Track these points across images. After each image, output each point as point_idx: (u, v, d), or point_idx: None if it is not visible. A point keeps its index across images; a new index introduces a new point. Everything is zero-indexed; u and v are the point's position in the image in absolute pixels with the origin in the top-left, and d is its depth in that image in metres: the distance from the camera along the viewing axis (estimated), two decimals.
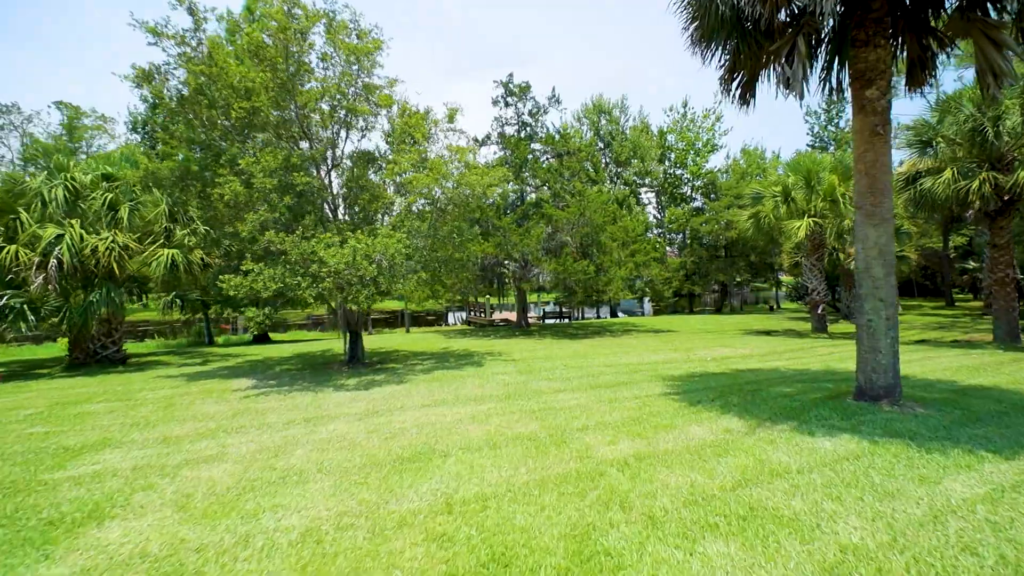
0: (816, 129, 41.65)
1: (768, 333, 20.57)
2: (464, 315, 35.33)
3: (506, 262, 20.57)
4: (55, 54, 73.37)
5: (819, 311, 19.58)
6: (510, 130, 24.36)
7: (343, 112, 11.68)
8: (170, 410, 7.61)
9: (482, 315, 32.32)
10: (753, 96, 8.49)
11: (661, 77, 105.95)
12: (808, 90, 7.08)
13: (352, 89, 11.35)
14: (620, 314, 39.00)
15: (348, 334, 12.77)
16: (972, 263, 34.62)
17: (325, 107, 10.95)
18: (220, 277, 8.89)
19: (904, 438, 5.22)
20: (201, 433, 6.21)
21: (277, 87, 10.24)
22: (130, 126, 31.90)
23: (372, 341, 20.13)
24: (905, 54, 7.76)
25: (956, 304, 37.43)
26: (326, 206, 11.72)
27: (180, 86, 10.53)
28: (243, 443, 5.71)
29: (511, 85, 24.18)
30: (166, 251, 12.42)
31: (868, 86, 6.80)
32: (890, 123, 6.85)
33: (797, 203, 18.96)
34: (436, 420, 6.44)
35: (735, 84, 8.35)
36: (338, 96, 10.96)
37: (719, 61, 8.23)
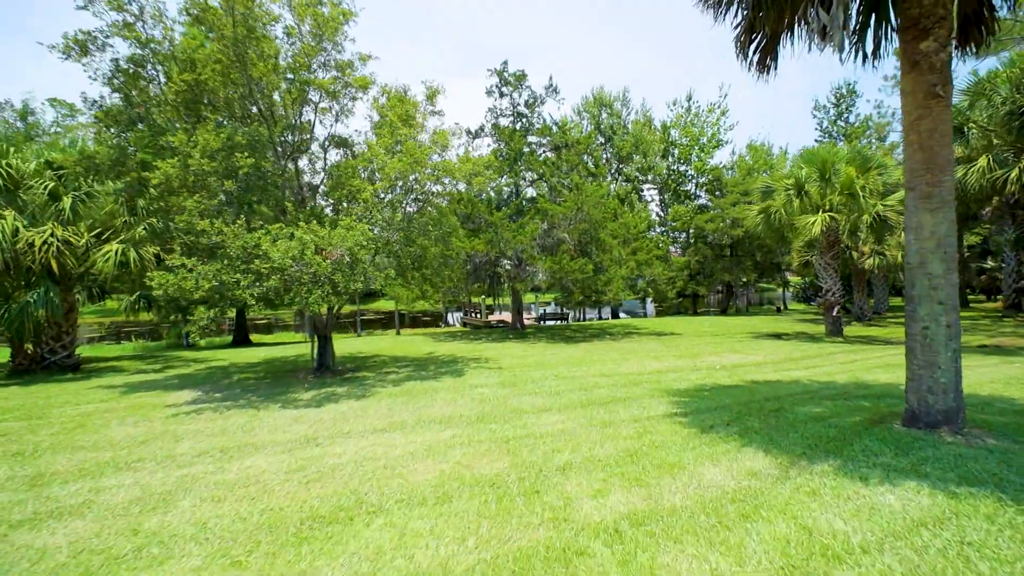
0: (825, 124, 40.23)
1: (779, 336, 19.21)
2: (463, 316, 34.08)
3: (501, 260, 19.27)
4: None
5: (834, 313, 18.21)
6: (505, 122, 23.06)
7: (310, 91, 10.42)
8: (73, 434, 6.33)
9: (478, 316, 31.03)
10: (775, 60, 7.18)
11: (667, 74, 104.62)
12: (847, 41, 5.77)
13: (318, 64, 10.06)
14: (622, 315, 37.65)
15: (316, 339, 11.49)
16: (991, 262, 33.13)
17: (285, 84, 9.66)
18: (147, 275, 7.62)
19: (989, 486, 3.90)
20: (85, 470, 4.93)
21: (230, 60, 8.96)
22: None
23: (356, 344, 18.87)
24: (956, 5, 6.43)
25: (970, 305, 35.97)
26: (291, 195, 10.45)
27: (123, 61, 9.27)
28: (124, 486, 4.42)
29: (506, 74, 22.87)
30: (114, 246, 11.15)
31: (923, 37, 5.47)
32: (951, 82, 5.53)
33: (811, 197, 17.59)
34: (383, 453, 5.14)
35: (753, 47, 7.03)
36: (302, 72, 9.69)
37: (735, 18, 6.94)
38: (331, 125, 11.98)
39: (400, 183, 10.05)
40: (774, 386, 8.57)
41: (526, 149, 21.32)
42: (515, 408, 7.09)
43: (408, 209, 10.74)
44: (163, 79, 9.19)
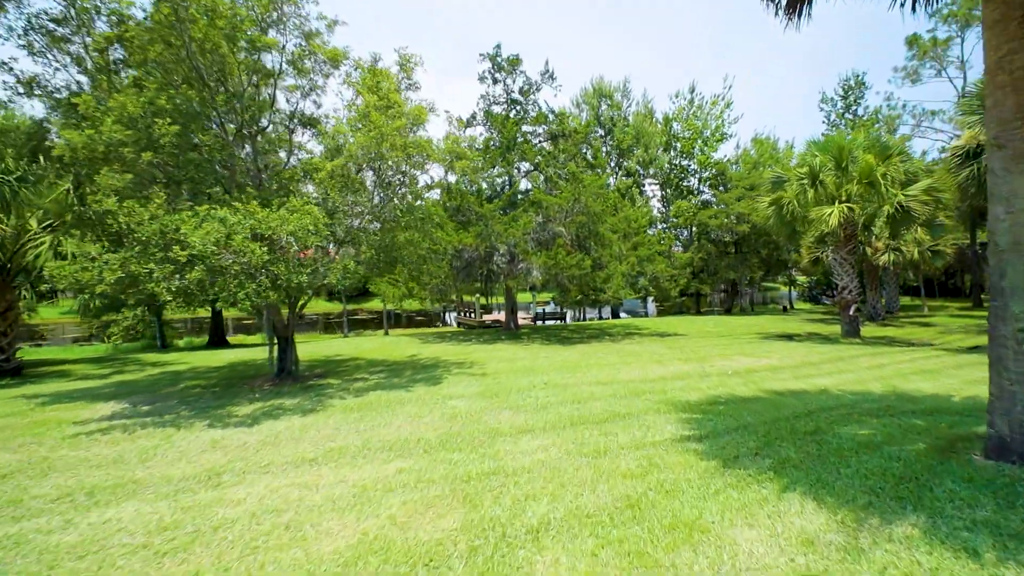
0: (832, 117, 38.86)
1: (790, 337, 17.90)
2: (456, 316, 32.76)
3: (493, 256, 17.96)
4: None
5: (851, 312, 16.88)
6: (498, 110, 21.72)
7: (265, 58, 9.12)
8: None
9: (472, 316, 29.72)
10: (808, 3, 5.89)
11: (667, 73, 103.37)
12: None
13: (272, 23, 8.75)
14: (622, 315, 36.33)
15: (276, 341, 10.19)
16: None
17: (228, 44, 8.33)
18: (46, 264, 6.32)
19: None
20: None
21: (164, 16, 7.65)
22: None
23: (337, 346, 17.56)
24: None
25: (985, 305, 34.61)
26: (248, 178, 9.14)
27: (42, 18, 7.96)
28: None
29: (499, 59, 21.53)
30: (47, 237, 9.85)
31: None
32: None
33: (826, 187, 16.27)
34: (295, 500, 3.82)
35: None
36: (249, 30, 8.36)
37: None
38: (296, 103, 10.69)
39: (368, 164, 8.73)
40: (801, 398, 7.25)
41: (520, 138, 19.98)
42: (490, 428, 5.77)
43: (379, 194, 9.43)
44: (89, 39, 7.89)
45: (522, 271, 17.81)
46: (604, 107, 32.72)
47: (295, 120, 10.79)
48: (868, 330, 19.70)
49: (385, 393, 8.12)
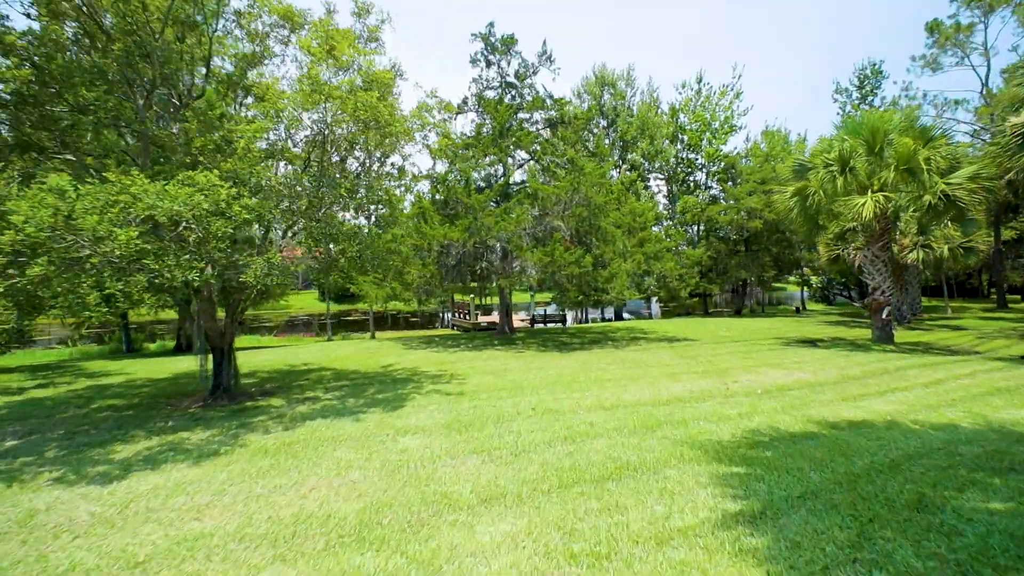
0: (848, 108, 36.93)
1: (813, 343, 16.08)
2: (451, 317, 30.98)
3: (484, 253, 16.19)
4: None
5: (884, 316, 15.04)
6: (491, 94, 19.94)
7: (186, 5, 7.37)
8: None
9: (467, 317, 27.95)
10: None
11: (676, 73, 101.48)
12: None
13: None
14: (626, 315, 34.50)
15: (211, 352, 8.45)
16: None
17: None
18: None
19: None
20: None
21: None
22: None
23: (310, 353, 15.82)
24: None
25: (1008, 306, 32.73)
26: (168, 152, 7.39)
27: None
28: None
29: (492, 39, 19.75)
30: None
31: None
32: None
33: (857, 175, 14.45)
34: None
35: None
36: None
37: None
38: (245, 70, 8.93)
39: (309, 131, 6.99)
40: (868, 435, 5.44)
41: (514, 123, 18.17)
42: (440, 494, 3.98)
43: (321, 181, 7.68)
44: None
45: (516, 270, 16.03)
46: (607, 96, 30.88)
47: (239, 89, 9.05)
48: (898, 335, 17.86)
49: (326, 423, 6.35)
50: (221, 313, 8.56)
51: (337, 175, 7.83)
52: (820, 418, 6.26)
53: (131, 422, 6.76)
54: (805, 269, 34.98)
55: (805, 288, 36.59)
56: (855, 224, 16.01)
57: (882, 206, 13.68)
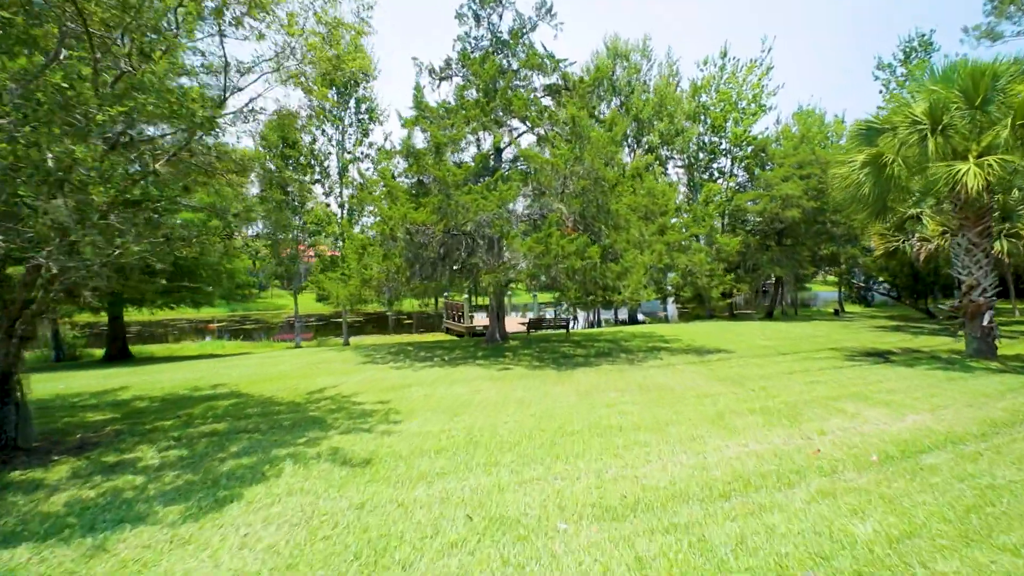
0: (893, 86, 32.87)
1: (884, 357, 12.54)
2: (444, 320, 27.70)
3: (462, 241, 12.89)
4: None
5: (986, 322, 11.42)
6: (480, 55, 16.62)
7: None
8: None
9: (460, 320, 24.67)
10: None
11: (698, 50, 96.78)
12: None
13: None
14: (640, 317, 30.90)
15: None
16: None
17: None
18: None
19: None
20: None
21: None
22: None
23: (243, 368, 12.69)
24: None
25: None
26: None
27: None
28: None
29: None
30: None
31: None
32: None
33: (954, 135, 10.88)
34: None
35: None
36: None
37: None
38: None
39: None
40: None
41: (503, 83, 14.79)
42: None
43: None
44: None
45: (508, 263, 12.68)
46: (620, 71, 27.33)
47: None
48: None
49: (35, 553, 3.12)
50: None
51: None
52: None
53: None
54: (839, 265, 30.93)
55: (842, 288, 32.60)
56: (943, 202, 12.40)
57: (996, 173, 10.08)
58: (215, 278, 16.26)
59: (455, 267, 13.32)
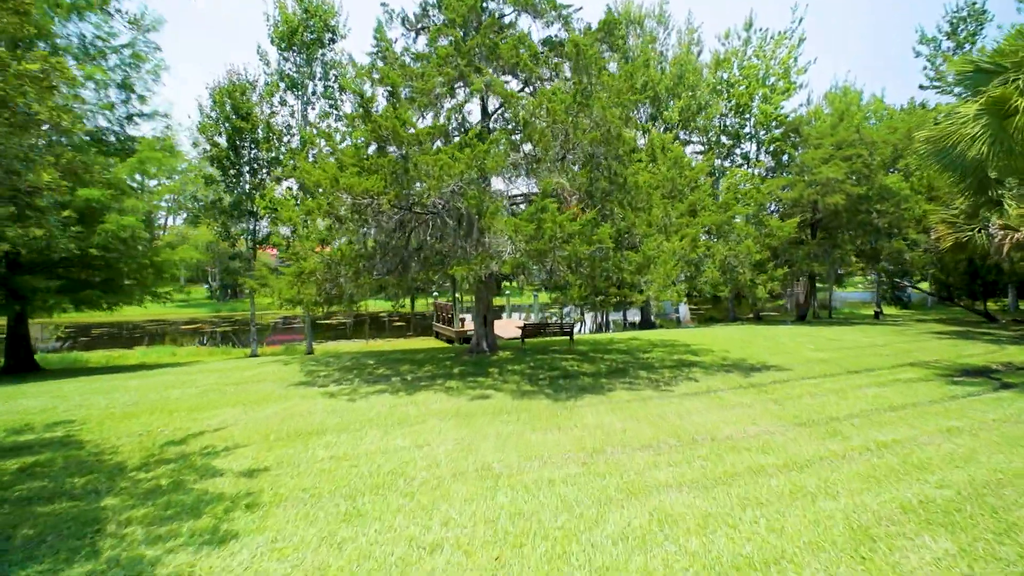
0: (941, 62, 29.28)
1: (991, 375, 9.31)
2: (434, 324, 24.52)
3: (426, 220, 9.73)
4: None
5: None
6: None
7: None
8: None
9: (449, 324, 21.53)
10: None
11: None
12: None
13: None
14: (654, 321, 27.54)
15: None
16: None
17: None
18: None
19: None
20: None
21: None
22: None
23: (147, 387, 9.64)
24: None
25: None
26: None
27: None
28: None
29: None
30: None
31: None
32: None
33: None
34: None
35: None
36: None
37: None
38: None
39: None
40: None
41: (486, 19, 11.53)
42: None
43: None
44: None
45: (488, 251, 9.45)
46: (633, 41, 24.03)
47: None
48: None
49: None
50: None
51: None
52: None
53: None
54: (879, 261, 27.36)
55: (880, 288, 29.04)
56: None
57: None
58: (139, 273, 13.25)
59: (420, 257, 10.17)
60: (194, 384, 9.72)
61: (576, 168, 10.05)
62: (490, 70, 10.93)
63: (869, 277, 33.03)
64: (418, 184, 8.41)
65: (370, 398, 7.92)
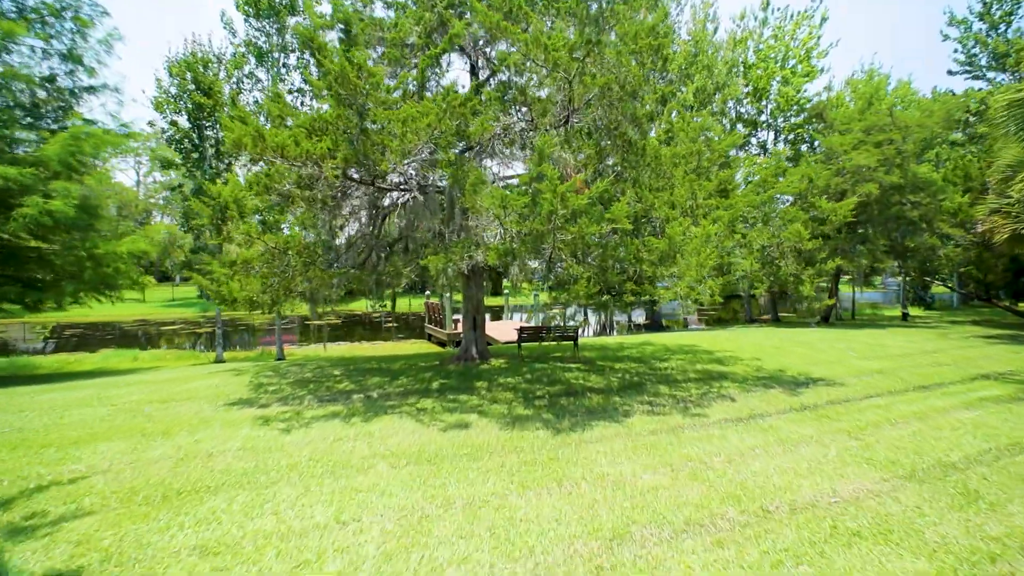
0: (973, 45, 27.21)
1: None
2: (427, 324, 22.59)
3: (390, 194, 7.84)
4: None
5: None
6: None
7: None
8: None
9: (441, 326, 19.63)
10: None
11: None
12: None
13: None
14: (663, 323, 25.53)
15: None
16: None
17: None
18: None
19: None
20: None
21: None
22: None
23: (51, 406, 7.79)
24: None
25: None
26: None
27: None
28: None
29: None
30: None
31: None
32: None
33: None
34: None
35: None
36: None
37: None
38: None
39: None
40: None
41: None
42: None
43: None
44: None
45: (471, 236, 7.54)
46: (642, 16, 22.08)
47: None
48: None
49: None
50: None
51: None
52: None
53: None
54: (907, 258, 25.32)
55: (904, 289, 26.98)
56: None
57: None
58: (75, 267, 11.41)
59: (395, 248, 8.27)
60: (111, 402, 7.85)
61: (585, 139, 8.17)
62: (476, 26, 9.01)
63: (881, 276, 30.95)
64: (385, 152, 6.50)
65: (312, 427, 6.03)
